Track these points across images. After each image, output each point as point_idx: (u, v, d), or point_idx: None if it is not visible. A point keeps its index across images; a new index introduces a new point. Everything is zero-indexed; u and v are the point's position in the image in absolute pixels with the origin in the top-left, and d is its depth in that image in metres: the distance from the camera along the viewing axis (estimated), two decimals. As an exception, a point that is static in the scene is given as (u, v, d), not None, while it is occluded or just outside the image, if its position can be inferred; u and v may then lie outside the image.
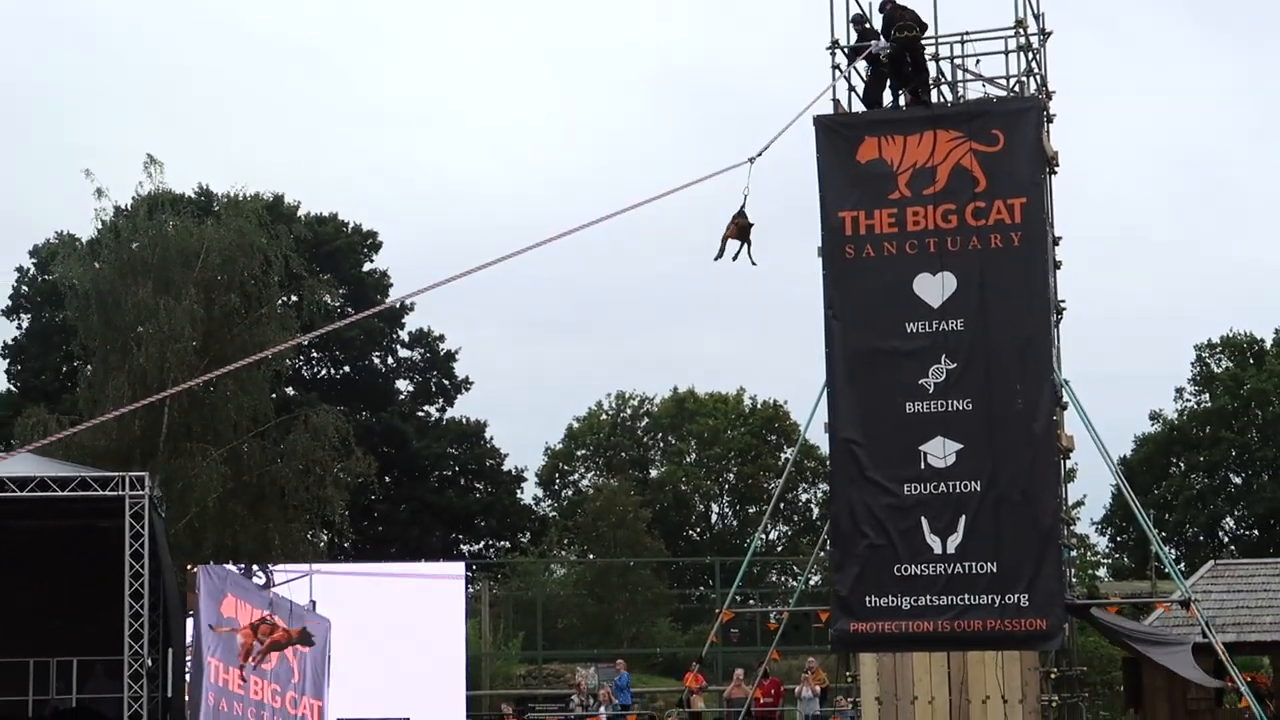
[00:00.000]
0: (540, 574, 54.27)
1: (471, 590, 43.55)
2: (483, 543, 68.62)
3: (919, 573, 24.70)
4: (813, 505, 70.95)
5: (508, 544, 68.42)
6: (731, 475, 72.03)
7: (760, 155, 24.01)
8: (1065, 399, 24.96)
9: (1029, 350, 24.75)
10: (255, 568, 27.01)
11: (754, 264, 25.32)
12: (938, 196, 25.31)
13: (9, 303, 62.08)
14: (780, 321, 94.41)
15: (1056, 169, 25.70)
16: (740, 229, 24.73)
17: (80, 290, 41.60)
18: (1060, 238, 25.67)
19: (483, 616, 46.42)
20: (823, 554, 31.77)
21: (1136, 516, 28.18)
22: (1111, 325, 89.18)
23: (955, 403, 24.92)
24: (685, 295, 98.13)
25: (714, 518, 73.69)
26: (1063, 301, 25.64)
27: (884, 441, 25.15)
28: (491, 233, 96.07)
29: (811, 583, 38.87)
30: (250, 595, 25.61)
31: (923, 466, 24.88)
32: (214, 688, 24.99)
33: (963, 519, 24.62)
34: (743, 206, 24.56)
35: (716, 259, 25.28)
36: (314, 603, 25.19)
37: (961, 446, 24.77)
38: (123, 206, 44.05)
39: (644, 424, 75.47)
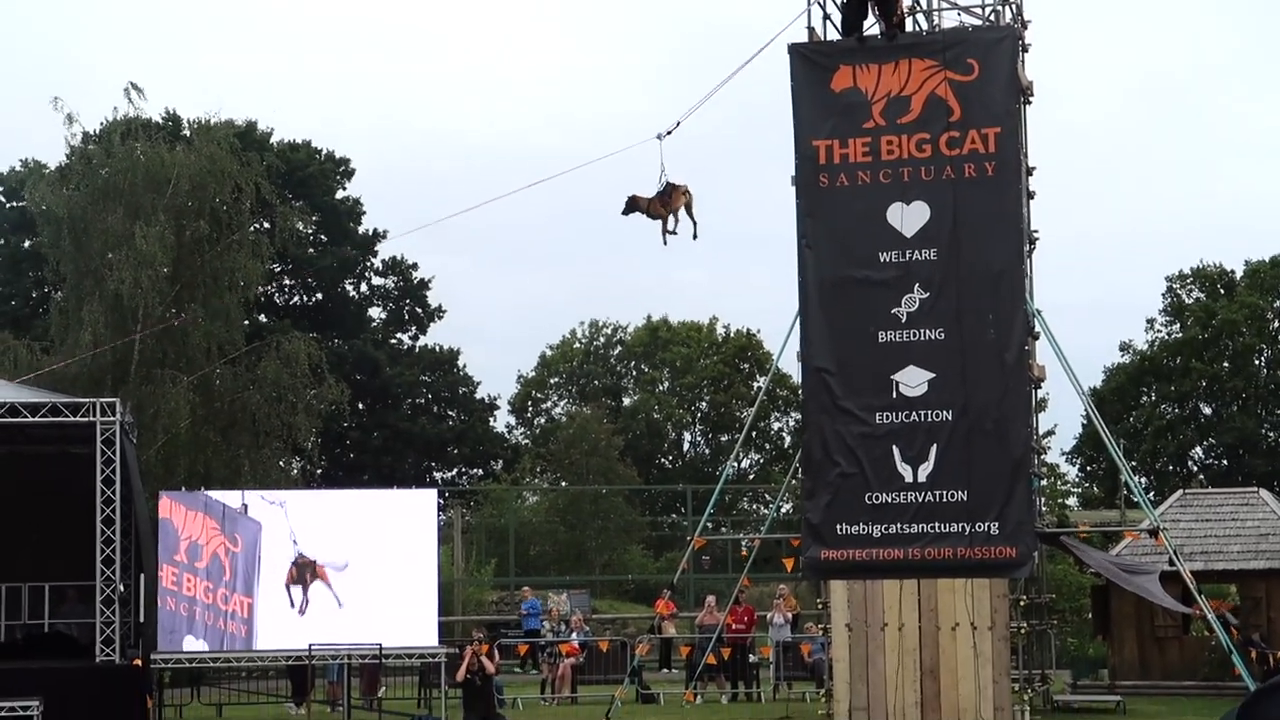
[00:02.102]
0: (513, 501, 54.40)
1: (444, 517, 43.66)
2: (455, 470, 68.77)
3: (890, 501, 24.85)
4: (785, 434, 71.19)
5: (480, 471, 68.57)
6: (704, 403, 72.18)
7: (670, 133, 24.37)
8: (1037, 329, 25.06)
9: (1001, 280, 24.82)
10: (230, 495, 26.94)
11: (695, 236, 26.18)
12: (912, 126, 25.32)
13: (-23, 229, 61.77)
14: (753, 251, 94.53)
15: (1031, 99, 25.68)
16: (677, 196, 25.31)
17: (51, 216, 41.35)
18: (1034, 168, 25.70)
19: (455, 543, 46.55)
20: (794, 482, 31.92)
21: (1106, 446, 28.35)
22: (1083, 256, 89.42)
23: (927, 332, 25.01)
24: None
25: (686, 446, 73.90)
26: (1035, 232, 25.68)
27: (856, 370, 25.25)
28: (464, 160, 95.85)
29: (783, 511, 38.97)
30: (204, 509, 25.68)
31: (894, 395, 25.00)
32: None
33: (934, 448, 24.77)
34: (666, 183, 25.03)
35: (666, 242, 26.12)
36: (245, 506, 25.47)
37: (933, 376, 24.88)
38: (91, 133, 43.79)
39: (617, 352, 75.53)
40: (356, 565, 25.20)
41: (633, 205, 26.13)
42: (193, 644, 25.03)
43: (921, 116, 25.30)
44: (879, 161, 25.39)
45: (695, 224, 26.23)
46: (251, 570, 25.34)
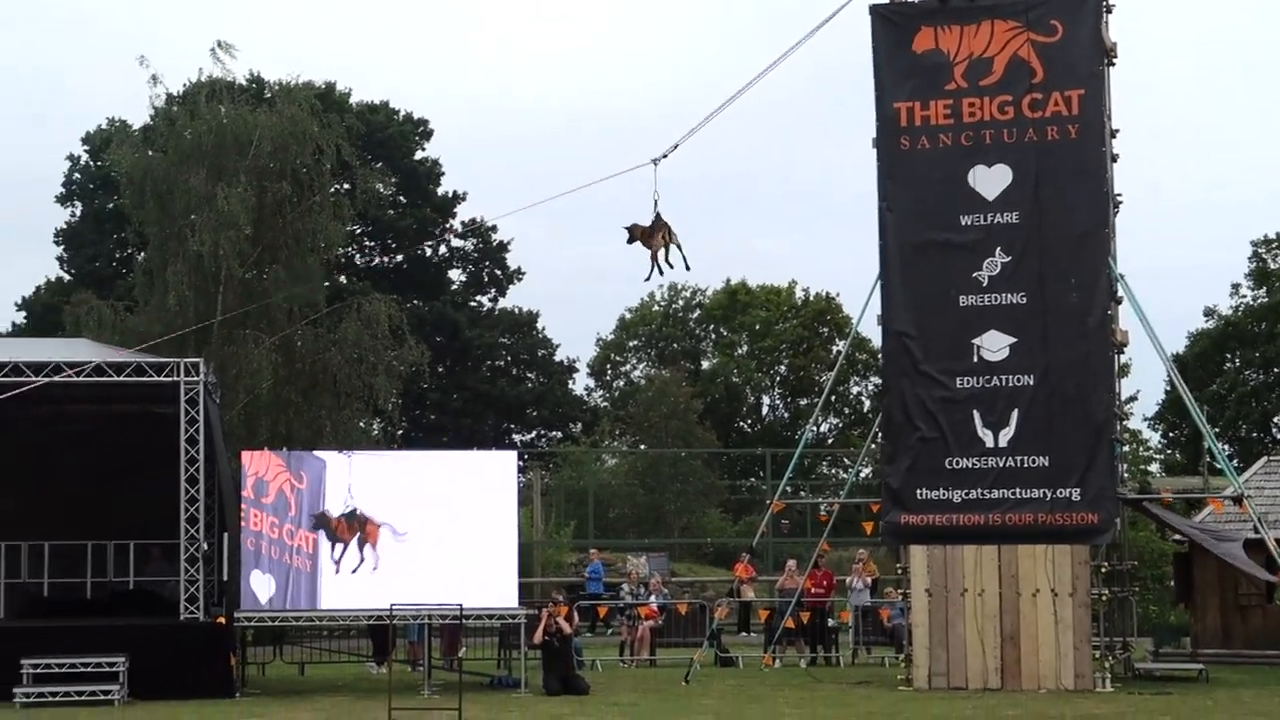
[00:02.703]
0: (591, 463, 54.50)
1: (523, 479, 43.81)
2: (534, 432, 69.00)
3: (970, 466, 24.79)
4: (864, 398, 71.01)
5: (559, 434, 68.78)
6: (783, 367, 72.06)
7: (665, 157, 24.22)
8: (1120, 293, 24.84)
9: (1084, 244, 24.65)
10: (315, 453, 27.16)
11: (688, 268, 26.15)
12: (994, 88, 25.17)
13: (62, 189, 62.36)
14: (834, 214, 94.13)
15: (1115, 60, 25.38)
16: (659, 237, 25.09)
17: (134, 177, 41.65)
18: (1118, 130, 25.41)
19: (534, 505, 46.71)
20: (874, 446, 31.85)
21: (1190, 412, 28.09)
22: (1168, 219, 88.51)
23: (1009, 296, 24.89)
24: (739, 187, 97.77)
25: (765, 409, 73.83)
26: (1119, 195, 25.42)
27: (937, 334, 25.17)
28: (543, 121, 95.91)
29: (862, 475, 38.90)
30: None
31: (975, 360, 24.91)
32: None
33: (1015, 413, 24.67)
34: (656, 214, 24.85)
35: (647, 279, 26.07)
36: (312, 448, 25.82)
37: (1015, 340, 24.77)
38: (175, 94, 44.05)
39: (696, 315, 75.45)
40: (437, 527, 25.31)
41: (633, 235, 26.11)
42: (259, 579, 25.24)
43: (1004, 78, 25.14)
44: (960, 124, 25.25)
45: (685, 258, 26.29)
46: (317, 506, 25.55)
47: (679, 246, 25.82)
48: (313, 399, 41.28)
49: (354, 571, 25.37)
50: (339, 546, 25.43)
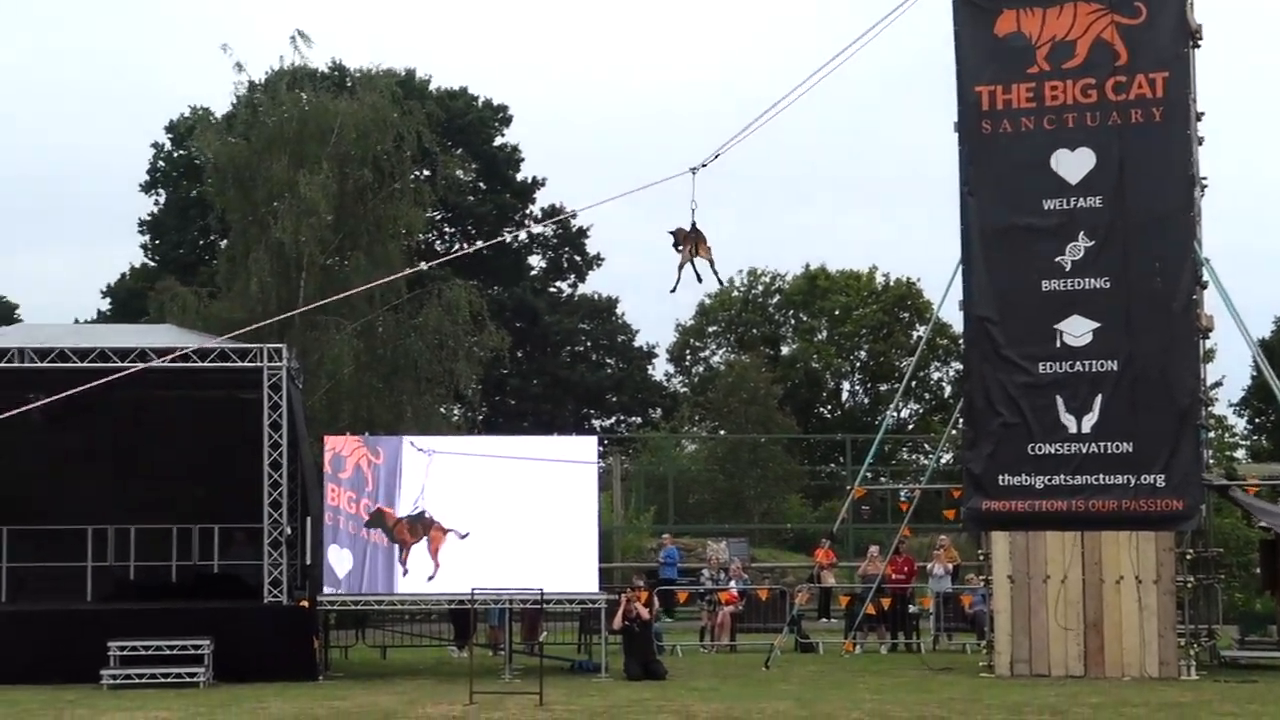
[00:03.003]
0: (671, 449, 54.50)
1: (603, 465, 43.88)
2: (614, 418, 69.07)
3: (1053, 452, 24.63)
4: (944, 384, 70.54)
5: (639, 419, 68.81)
6: (863, 353, 71.74)
7: (705, 166, 23.36)
8: (1205, 277, 24.59)
9: (1168, 228, 24.42)
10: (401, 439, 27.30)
11: (720, 283, 24.72)
12: (1077, 70, 24.97)
13: (147, 177, 62.94)
14: (914, 198, 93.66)
15: (1200, 42, 25.10)
16: (688, 248, 24.16)
17: (217, 165, 42.01)
18: (1203, 113, 25.13)
19: (614, 490, 46.78)
20: (955, 432, 31.67)
21: (1276, 398, 27.74)
22: (1254, 203, 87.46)
23: (1092, 280, 24.71)
24: (818, 171, 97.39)
25: (845, 395, 73.55)
26: (1204, 178, 25.14)
27: (1019, 319, 25.01)
28: (624, 104, 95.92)
29: (943, 461, 38.66)
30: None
31: (1058, 345, 24.74)
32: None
33: (1099, 398, 24.49)
34: (692, 223, 24.06)
35: (673, 291, 24.67)
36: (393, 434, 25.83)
37: (1098, 325, 24.58)
38: (257, 81, 44.38)
39: (775, 301, 75.23)
40: (518, 512, 25.38)
41: (677, 240, 25.02)
42: (337, 554, 25.40)
43: (1087, 61, 24.94)
44: (1043, 107, 25.07)
45: (716, 271, 24.88)
46: (394, 482, 25.67)
47: (711, 261, 24.64)
48: (394, 384, 41.54)
49: (430, 579, 25.46)
50: (400, 549, 25.51)
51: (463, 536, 25.47)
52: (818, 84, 24.36)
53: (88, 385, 20.14)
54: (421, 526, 25.55)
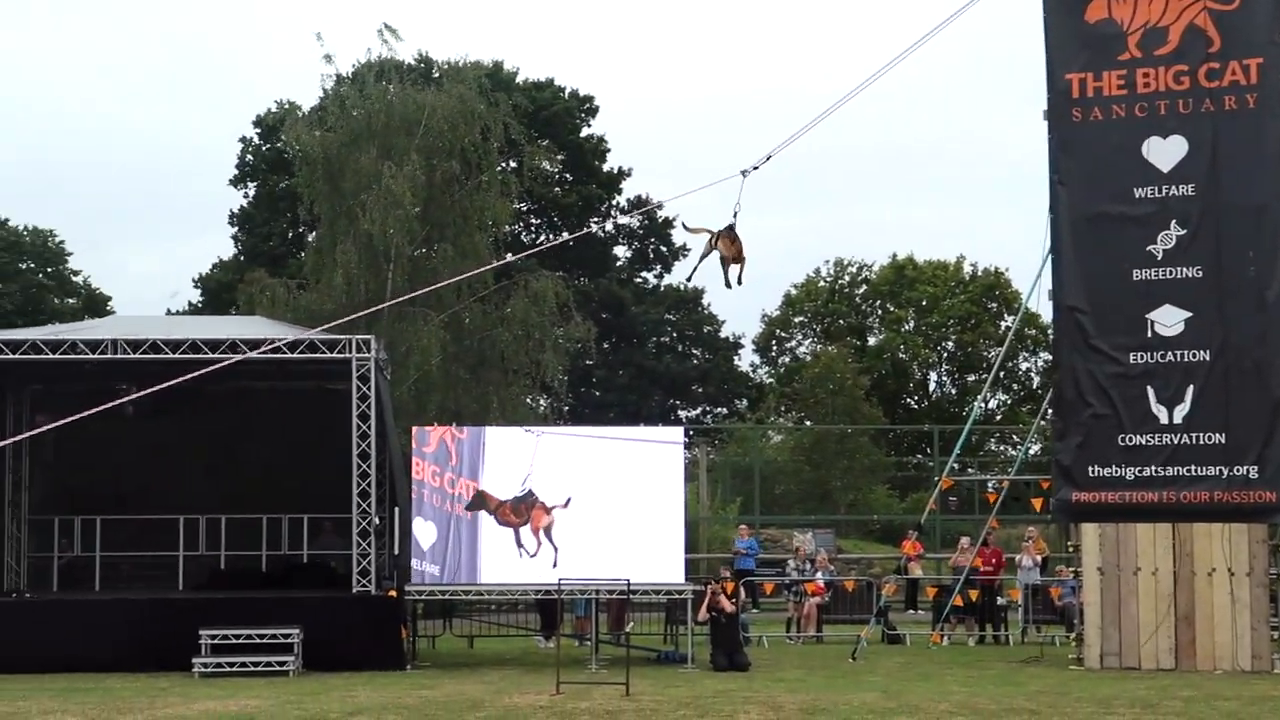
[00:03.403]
0: (757, 440, 54.41)
1: (689, 455, 43.86)
2: (700, 409, 69.02)
3: (1144, 443, 24.39)
4: (1033, 374, 70.06)
5: (725, 410, 68.74)
6: (950, 343, 71.35)
7: (756, 169, 22.81)
8: (1301, 266, 24.23)
9: (1263, 216, 24.11)
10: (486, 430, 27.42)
11: (739, 283, 24.12)
12: (1169, 57, 24.68)
13: (235, 171, 63.48)
14: (1002, 187, 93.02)
15: (1296, 27, 24.73)
16: (733, 249, 23.69)
17: (307, 157, 42.30)
18: (1299, 99, 24.76)
19: (700, 481, 46.77)
20: (1043, 423, 31.46)
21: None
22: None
23: (1184, 270, 24.42)
24: (904, 161, 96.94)
25: (932, 385, 73.20)
26: (1300, 166, 24.77)
27: (1110, 309, 24.78)
28: (710, 92, 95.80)
29: (1031, 452, 38.42)
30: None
31: (1150, 335, 24.48)
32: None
33: (1190, 389, 24.22)
34: (730, 224, 23.54)
35: (688, 279, 23.95)
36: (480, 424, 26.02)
37: (1190, 315, 24.31)
38: (345, 74, 44.65)
39: (862, 291, 74.93)
40: (604, 503, 25.41)
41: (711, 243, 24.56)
42: (421, 526, 25.55)
43: (1179, 48, 24.64)
44: (1134, 95, 24.81)
45: (737, 280, 24.33)
46: (477, 456, 25.77)
47: (739, 265, 24.08)
48: (481, 376, 41.69)
49: (551, 562, 25.51)
50: (509, 531, 25.58)
51: (564, 506, 25.50)
52: (903, 71, 24.21)
53: (187, 376, 20.34)
54: (525, 506, 25.64)
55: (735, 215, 22.87)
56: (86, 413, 18.67)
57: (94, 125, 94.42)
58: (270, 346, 24.79)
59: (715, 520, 46.76)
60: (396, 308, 39.05)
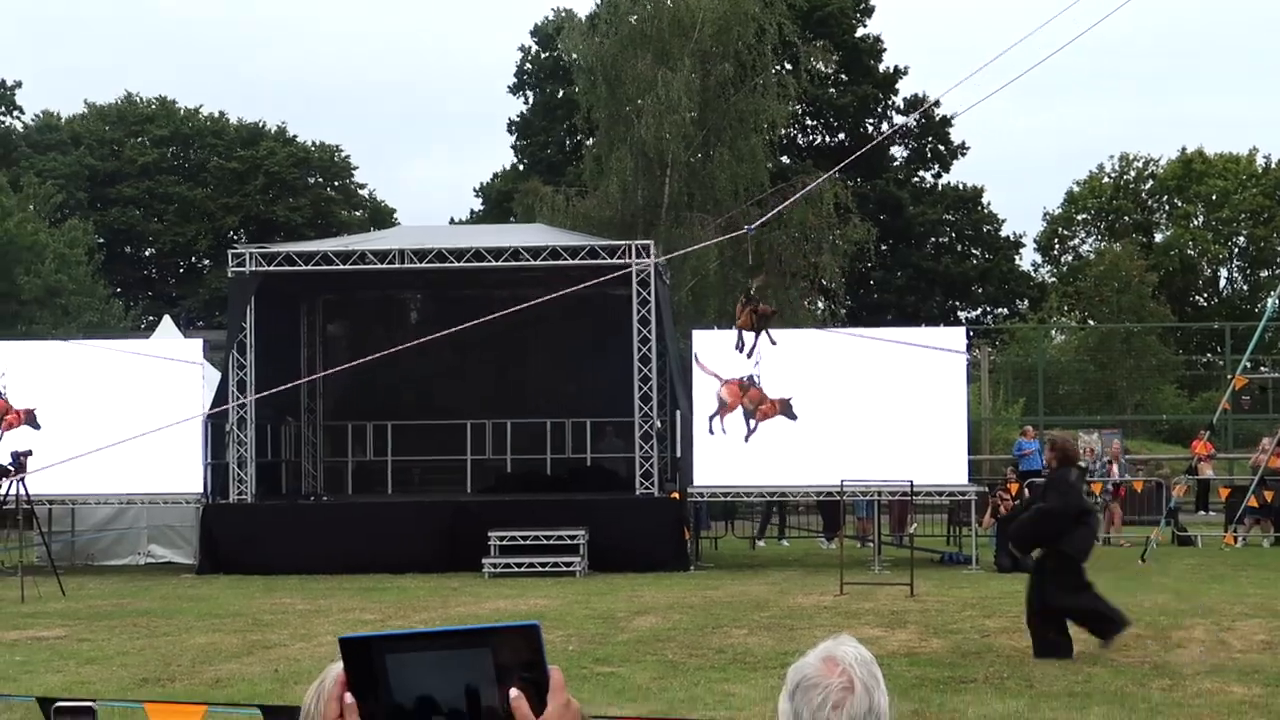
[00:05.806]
0: (1040, 340, 53.45)
1: (970, 356, 43.30)
2: (980, 309, 68.12)
3: None
4: (1332, 266, 67.63)
5: (1006, 311, 67.72)
6: (1242, 238, 69.12)
7: (755, 227, 23.23)
8: None
9: None
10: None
11: (773, 343, 24.47)
12: None
13: (514, 80, 64.21)
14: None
15: None
16: (758, 316, 23.71)
17: (584, 65, 42.54)
18: None
19: (982, 382, 46.17)
20: (1344, 318, 30.28)
21: None
22: None
23: None
24: (1193, 50, 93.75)
25: (1223, 282, 71.10)
26: None
27: None
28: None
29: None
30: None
31: None
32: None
33: None
34: (752, 289, 23.58)
35: (750, 354, 24.42)
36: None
37: None
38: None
39: (1148, 186, 72.95)
40: (886, 405, 25.22)
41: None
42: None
43: None
44: None
45: (768, 340, 24.66)
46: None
47: (766, 329, 24.37)
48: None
49: (745, 439, 25.45)
50: (781, 430, 25.51)
51: (793, 417, 25.36)
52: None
53: (515, 308, 21.10)
54: (747, 395, 25.46)
55: (750, 283, 23.13)
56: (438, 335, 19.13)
57: (375, 41, 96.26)
58: (550, 253, 25.10)
59: (998, 421, 46.16)
60: (674, 212, 39.24)
